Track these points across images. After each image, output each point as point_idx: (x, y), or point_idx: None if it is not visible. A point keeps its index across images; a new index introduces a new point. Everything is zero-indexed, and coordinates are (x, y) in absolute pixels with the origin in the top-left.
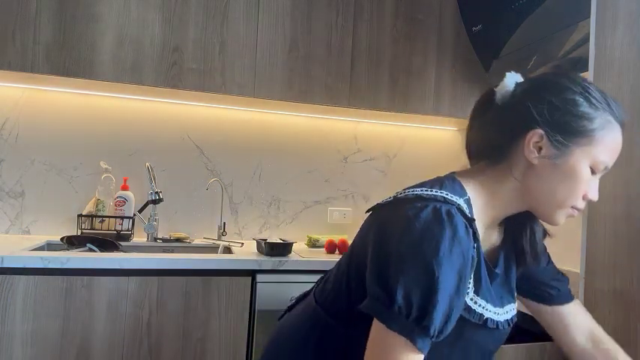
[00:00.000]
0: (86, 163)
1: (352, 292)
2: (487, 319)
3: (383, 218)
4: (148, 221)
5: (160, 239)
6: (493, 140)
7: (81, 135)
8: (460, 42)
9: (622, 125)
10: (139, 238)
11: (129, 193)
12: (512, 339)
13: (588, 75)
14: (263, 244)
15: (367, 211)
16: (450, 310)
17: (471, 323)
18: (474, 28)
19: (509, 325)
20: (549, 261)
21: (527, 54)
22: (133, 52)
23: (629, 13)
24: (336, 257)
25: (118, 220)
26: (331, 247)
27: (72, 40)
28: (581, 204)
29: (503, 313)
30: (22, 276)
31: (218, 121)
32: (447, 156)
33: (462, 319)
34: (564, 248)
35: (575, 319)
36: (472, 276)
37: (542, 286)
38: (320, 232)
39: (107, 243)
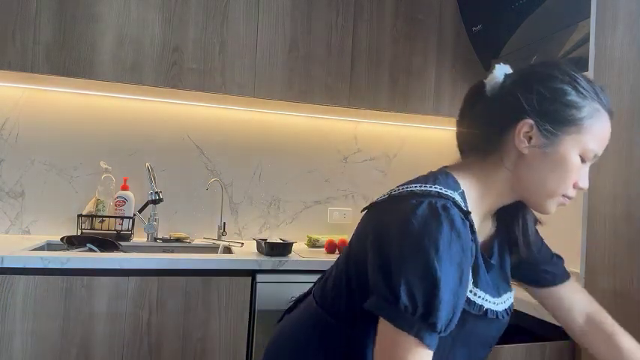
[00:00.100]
0: (86, 163)
1: (353, 291)
2: (487, 310)
3: (379, 217)
4: (148, 221)
5: (160, 239)
6: (484, 131)
7: (81, 135)
8: (460, 42)
9: (610, 113)
10: (139, 238)
11: (129, 193)
12: (512, 339)
13: (588, 75)
14: (263, 244)
15: (363, 210)
16: (455, 304)
17: (471, 315)
18: (474, 28)
19: (507, 314)
20: (542, 245)
21: (527, 54)
22: (133, 52)
23: (629, 13)
24: (336, 257)
25: (118, 220)
26: (331, 247)
27: (72, 40)
28: (572, 192)
29: (501, 302)
30: (22, 276)
31: (218, 121)
32: (447, 156)
33: (463, 311)
34: (564, 248)
35: (574, 298)
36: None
37: (538, 270)
38: (320, 232)
39: (107, 243)
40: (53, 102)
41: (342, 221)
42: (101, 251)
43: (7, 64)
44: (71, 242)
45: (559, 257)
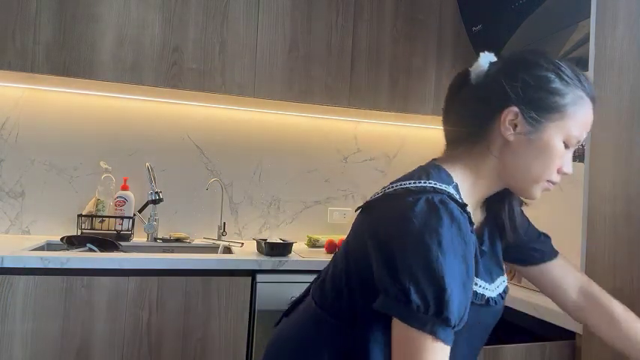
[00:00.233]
0: (86, 163)
1: (353, 291)
2: (488, 298)
3: (377, 216)
4: (148, 221)
5: (160, 239)
6: (470, 120)
7: (81, 135)
8: (460, 42)
9: (592, 100)
10: (139, 238)
11: (129, 193)
12: (512, 339)
13: (588, 75)
14: (263, 244)
15: (357, 209)
16: (465, 297)
17: (474, 305)
18: (474, 28)
19: (502, 298)
20: (529, 226)
21: None
22: (133, 52)
23: (629, 13)
24: None
25: (118, 220)
26: (331, 247)
27: (72, 40)
28: (557, 177)
29: (495, 287)
30: (22, 276)
31: (218, 121)
32: None
33: None
34: (564, 248)
35: (564, 274)
36: None
37: (526, 249)
38: (320, 232)
39: (107, 243)
40: (53, 102)
41: (342, 221)
42: (101, 251)
43: (7, 64)
44: (71, 242)
45: (546, 236)
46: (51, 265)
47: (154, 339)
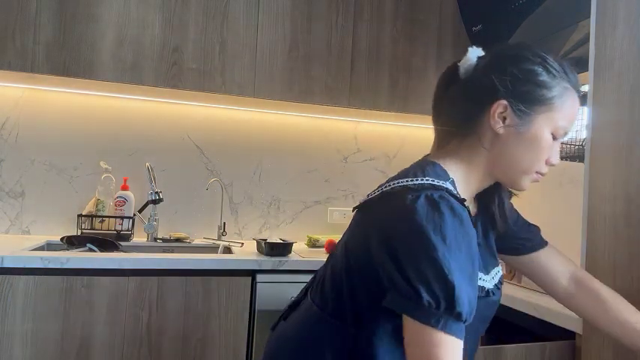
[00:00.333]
0: (86, 163)
1: (356, 291)
2: (488, 290)
3: (379, 215)
4: (148, 221)
5: (159, 239)
6: (460, 114)
7: (81, 135)
8: (460, 42)
9: (578, 92)
10: (139, 238)
11: (129, 193)
12: (512, 339)
13: (588, 75)
14: (263, 244)
15: (354, 209)
16: (473, 290)
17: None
18: (473, 28)
19: (498, 288)
20: (518, 217)
21: None
22: (133, 52)
23: (629, 13)
24: None
25: (118, 220)
26: (331, 247)
27: (72, 40)
28: (545, 169)
29: (491, 279)
30: (22, 276)
31: (218, 121)
32: None
33: None
34: (564, 248)
35: (554, 262)
36: None
37: (516, 239)
38: (320, 232)
39: (107, 243)
40: (53, 102)
41: (342, 221)
42: (101, 251)
43: (7, 64)
44: (71, 242)
45: (535, 226)
46: (51, 265)
47: (154, 339)
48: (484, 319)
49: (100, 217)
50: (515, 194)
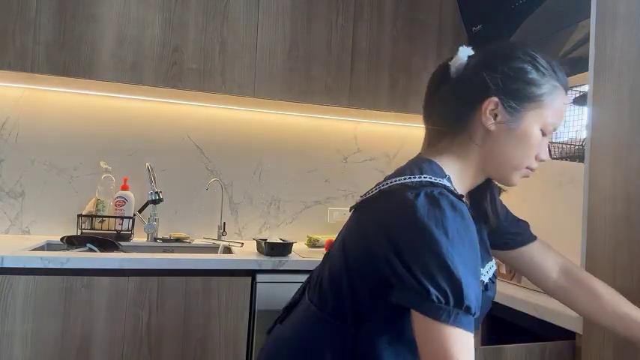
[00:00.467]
0: (86, 163)
1: (356, 290)
2: (486, 283)
3: (377, 214)
4: (148, 221)
5: (160, 239)
6: (452, 112)
7: (81, 135)
8: (460, 42)
9: (566, 89)
10: (139, 238)
11: (129, 193)
12: (512, 339)
13: (588, 75)
14: (263, 244)
15: (351, 208)
16: (477, 284)
17: None
18: (473, 28)
19: (493, 282)
20: (508, 212)
21: None
22: (133, 52)
23: (629, 13)
24: None
25: (118, 220)
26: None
27: (72, 40)
28: (535, 164)
29: (486, 273)
30: (22, 276)
31: (218, 121)
32: None
33: None
34: (564, 248)
35: (544, 255)
36: None
37: (507, 234)
38: (320, 232)
39: (107, 243)
40: (53, 102)
41: (342, 221)
42: (101, 251)
43: (7, 64)
44: (71, 242)
45: (524, 221)
46: (51, 265)
47: (154, 339)
48: (481, 316)
49: (100, 217)
50: (504, 190)
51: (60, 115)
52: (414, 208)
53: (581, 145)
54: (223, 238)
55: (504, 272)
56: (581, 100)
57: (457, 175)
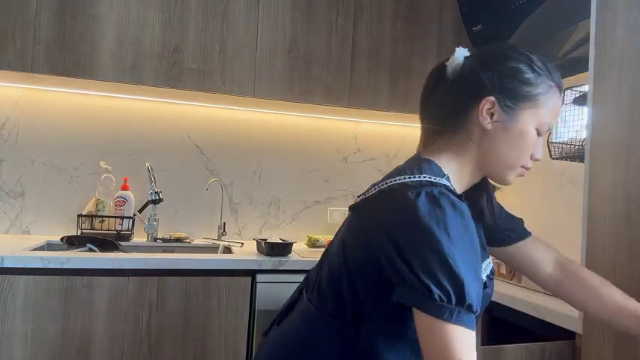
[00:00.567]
0: (86, 163)
1: (356, 290)
2: (485, 281)
3: (377, 214)
4: (148, 221)
5: (160, 239)
6: (449, 111)
7: (81, 135)
8: (460, 42)
9: (560, 89)
10: (139, 238)
11: (129, 193)
12: (512, 339)
13: (588, 75)
14: (263, 244)
15: (350, 208)
16: (479, 282)
17: None
18: (474, 28)
19: (490, 279)
20: (502, 209)
21: None
22: (133, 52)
23: (629, 13)
24: None
25: (118, 220)
26: None
27: (72, 40)
28: (530, 163)
29: (483, 270)
30: (22, 276)
31: (218, 121)
32: None
33: None
34: (564, 248)
35: (538, 250)
36: None
37: (502, 230)
38: (320, 232)
39: (107, 243)
40: (53, 102)
41: (342, 221)
42: (101, 251)
43: (7, 64)
44: (71, 242)
45: (518, 218)
46: (51, 265)
47: (154, 339)
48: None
49: (100, 217)
50: (499, 189)
51: (60, 115)
52: (415, 208)
53: (581, 145)
54: (223, 238)
55: (504, 272)
56: (581, 100)
57: (455, 174)
